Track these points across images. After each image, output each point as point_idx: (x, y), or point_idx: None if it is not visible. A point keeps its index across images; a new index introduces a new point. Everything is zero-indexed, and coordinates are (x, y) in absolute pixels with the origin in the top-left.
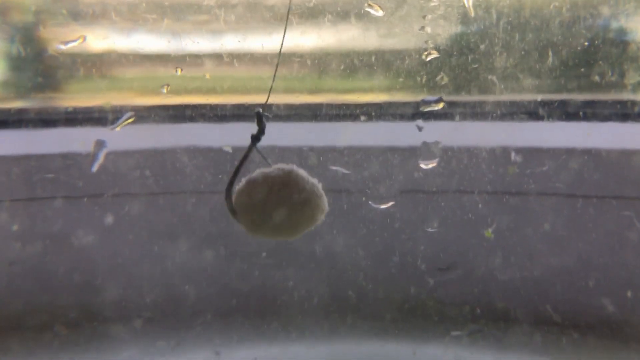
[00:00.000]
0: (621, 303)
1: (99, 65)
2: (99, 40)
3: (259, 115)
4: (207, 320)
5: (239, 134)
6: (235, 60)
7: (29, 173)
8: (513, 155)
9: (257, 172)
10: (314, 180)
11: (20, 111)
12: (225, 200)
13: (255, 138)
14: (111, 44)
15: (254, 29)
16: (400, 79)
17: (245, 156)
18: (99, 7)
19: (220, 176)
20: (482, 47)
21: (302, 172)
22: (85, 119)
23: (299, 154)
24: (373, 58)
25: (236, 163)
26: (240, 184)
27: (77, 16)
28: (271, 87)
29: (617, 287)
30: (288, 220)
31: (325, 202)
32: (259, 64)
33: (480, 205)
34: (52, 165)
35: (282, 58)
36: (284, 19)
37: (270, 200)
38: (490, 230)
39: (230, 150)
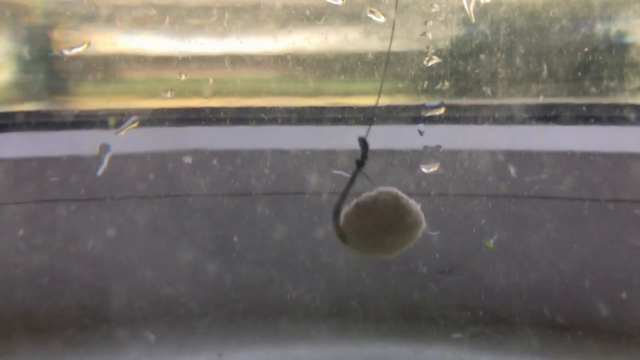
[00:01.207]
0: (621, 306)
1: (105, 68)
2: (106, 44)
3: (362, 141)
4: (210, 323)
5: (241, 137)
6: (239, 64)
7: (34, 176)
8: (512, 171)
9: (365, 196)
10: (413, 201)
11: (26, 114)
12: (333, 222)
13: (360, 163)
14: (118, 47)
15: (258, 33)
16: (402, 84)
17: (351, 180)
18: (107, 12)
19: (232, 180)
20: (482, 52)
21: (403, 195)
22: (90, 123)
23: (300, 157)
24: (374, 63)
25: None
26: (349, 207)
27: (85, 20)
28: (379, 93)
29: (617, 291)
30: (396, 241)
31: (423, 220)
32: (262, 67)
33: (480, 209)
34: (57, 169)
35: (283, 61)
36: (287, 22)
37: (383, 223)
38: (491, 241)
39: (190, 161)
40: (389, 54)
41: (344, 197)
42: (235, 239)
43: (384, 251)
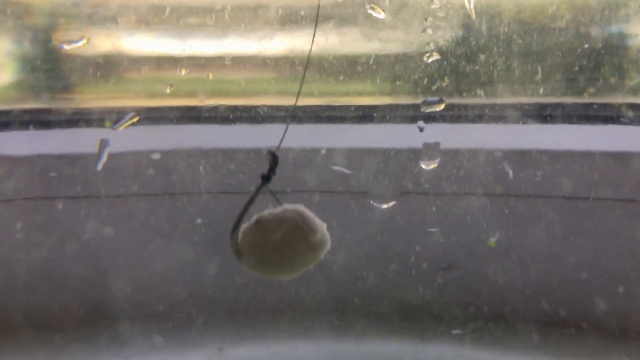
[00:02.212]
0: (621, 302)
1: (105, 67)
2: (106, 43)
3: (271, 155)
4: (210, 319)
5: (239, 135)
6: (238, 62)
7: (34, 173)
8: (511, 169)
9: (267, 212)
10: (320, 220)
11: (27, 112)
12: (231, 238)
13: (266, 178)
14: (118, 47)
15: (259, 32)
16: (402, 81)
17: (253, 195)
18: (108, 11)
19: (241, 176)
20: (483, 49)
21: (310, 213)
22: (90, 120)
23: (301, 155)
24: (374, 60)
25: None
26: (249, 223)
27: (86, 19)
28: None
29: (616, 286)
30: (297, 261)
31: (328, 241)
32: (261, 67)
33: (480, 207)
34: (57, 166)
35: (285, 61)
36: (287, 21)
37: (285, 242)
38: (493, 240)
39: (158, 157)
40: (310, 51)
41: (244, 212)
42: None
43: (280, 272)
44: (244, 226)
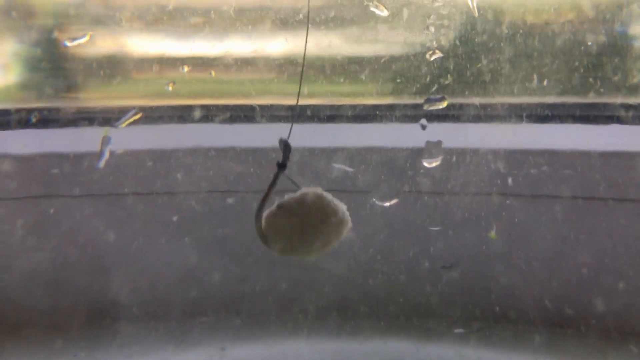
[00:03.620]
0: (623, 303)
1: (109, 66)
2: (111, 42)
3: (284, 143)
4: (212, 319)
5: (242, 135)
6: (240, 62)
7: (37, 171)
8: (513, 168)
9: (288, 197)
10: (338, 201)
11: (31, 111)
12: (255, 225)
13: (282, 165)
14: (122, 45)
15: (261, 32)
16: (404, 79)
17: (272, 183)
18: (112, 10)
19: (244, 174)
20: (485, 47)
21: (328, 194)
22: (93, 119)
23: (304, 153)
24: (376, 59)
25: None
26: (271, 208)
27: (91, 19)
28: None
29: (619, 287)
30: (322, 241)
31: (349, 219)
32: (262, 67)
33: (481, 206)
34: (60, 164)
35: (286, 61)
36: (289, 22)
37: (308, 223)
38: (493, 232)
39: (121, 152)
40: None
41: (266, 199)
42: (237, 236)
43: (306, 251)
44: (266, 212)
